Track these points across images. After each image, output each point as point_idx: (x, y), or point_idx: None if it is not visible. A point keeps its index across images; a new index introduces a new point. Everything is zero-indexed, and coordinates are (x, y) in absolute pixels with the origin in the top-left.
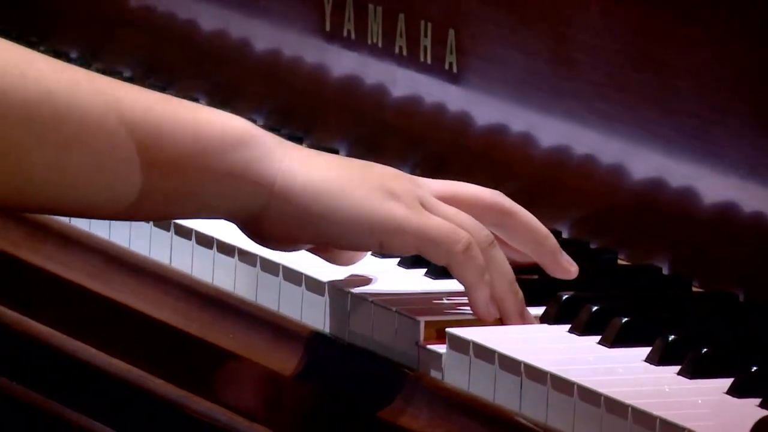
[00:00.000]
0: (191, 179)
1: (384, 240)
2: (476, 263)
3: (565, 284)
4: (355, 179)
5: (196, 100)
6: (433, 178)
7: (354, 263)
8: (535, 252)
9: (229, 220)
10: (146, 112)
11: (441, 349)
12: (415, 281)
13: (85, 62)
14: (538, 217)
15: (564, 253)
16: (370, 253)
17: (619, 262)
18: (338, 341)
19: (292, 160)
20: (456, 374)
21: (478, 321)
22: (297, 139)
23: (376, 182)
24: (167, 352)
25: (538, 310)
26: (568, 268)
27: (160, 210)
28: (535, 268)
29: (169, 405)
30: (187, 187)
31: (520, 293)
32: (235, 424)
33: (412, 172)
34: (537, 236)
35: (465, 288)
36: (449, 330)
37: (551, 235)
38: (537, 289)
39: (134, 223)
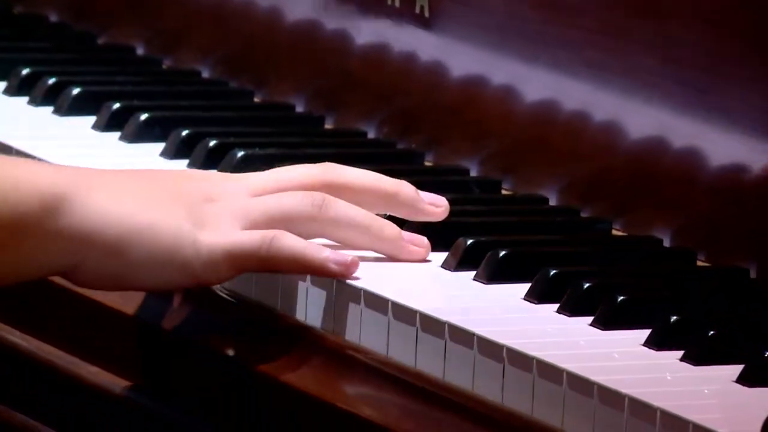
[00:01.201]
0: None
1: (199, 277)
2: (295, 250)
3: (554, 258)
4: (159, 211)
5: (132, 49)
6: (403, 137)
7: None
8: (394, 208)
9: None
10: None
11: None
12: None
13: (7, 4)
14: (521, 182)
15: (424, 196)
16: None
17: (614, 232)
18: None
19: (102, 206)
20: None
21: None
22: (248, 94)
23: (181, 213)
24: None
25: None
26: (432, 210)
27: None
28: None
29: None
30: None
31: (385, 230)
32: None
33: (379, 131)
34: (385, 193)
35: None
36: None
37: (403, 184)
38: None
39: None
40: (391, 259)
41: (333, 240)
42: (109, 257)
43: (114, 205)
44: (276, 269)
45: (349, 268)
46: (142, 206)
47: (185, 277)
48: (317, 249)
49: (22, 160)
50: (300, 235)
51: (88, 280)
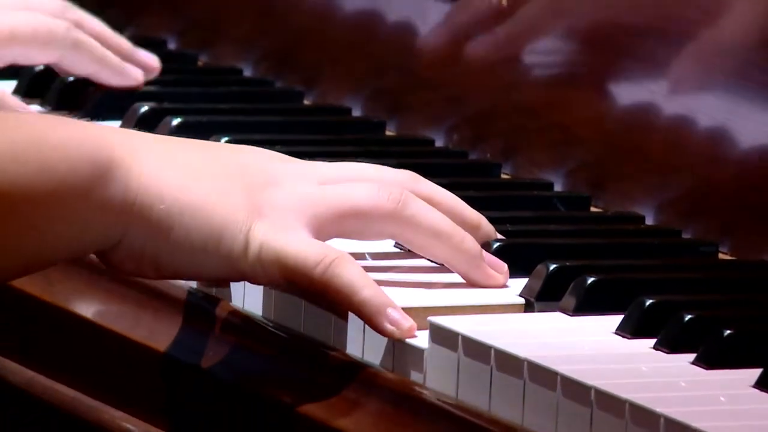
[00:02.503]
0: (34, 220)
1: (246, 274)
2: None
3: (651, 286)
4: (212, 189)
5: (164, 42)
6: (476, 146)
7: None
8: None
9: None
10: None
11: None
12: None
13: None
14: (613, 199)
15: (487, 261)
16: None
17: (721, 256)
18: None
19: (150, 177)
20: None
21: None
22: (297, 95)
23: (238, 194)
24: None
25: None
26: (492, 274)
27: None
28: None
29: None
30: (29, 229)
31: (466, 242)
32: None
33: (448, 139)
34: (468, 222)
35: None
36: None
37: (483, 219)
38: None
39: None
40: (466, 280)
41: (407, 244)
42: (150, 235)
43: (163, 176)
44: (324, 298)
45: (405, 333)
46: (194, 180)
47: (230, 270)
48: (378, 295)
49: (64, 121)
50: (371, 234)
51: (125, 260)
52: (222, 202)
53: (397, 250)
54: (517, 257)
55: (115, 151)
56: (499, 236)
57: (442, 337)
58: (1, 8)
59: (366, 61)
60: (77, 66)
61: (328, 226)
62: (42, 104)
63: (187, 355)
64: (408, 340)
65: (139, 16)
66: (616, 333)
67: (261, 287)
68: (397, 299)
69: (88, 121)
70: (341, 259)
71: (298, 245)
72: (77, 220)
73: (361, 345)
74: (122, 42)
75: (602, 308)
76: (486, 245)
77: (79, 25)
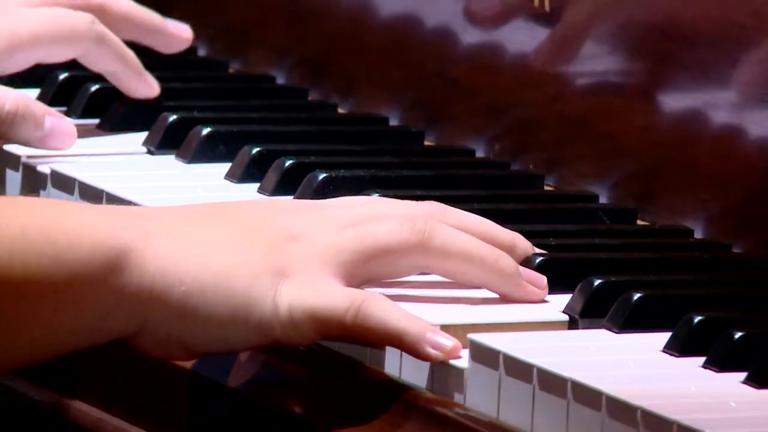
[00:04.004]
0: (49, 311)
1: (279, 338)
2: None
3: (700, 303)
4: (232, 259)
5: (194, 49)
6: (518, 157)
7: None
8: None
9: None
10: None
11: None
12: None
13: None
14: (660, 211)
15: (525, 277)
16: None
17: None
18: None
19: (166, 260)
20: None
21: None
22: (331, 107)
23: (260, 259)
24: None
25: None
26: (533, 290)
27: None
28: None
29: None
30: (44, 319)
31: (501, 262)
32: None
33: (489, 149)
34: (500, 244)
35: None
36: None
37: (517, 237)
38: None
39: None
40: (504, 298)
41: (441, 274)
42: (174, 319)
43: (178, 255)
44: (362, 341)
45: (450, 354)
46: (212, 254)
47: (262, 338)
48: (415, 323)
49: (76, 207)
50: (402, 271)
51: (152, 346)
52: (244, 273)
53: None
54: (560, 272)
55: (127, 237)
56: (537, 250)
57: (483, 355)
58: (22, 5)
59: (404, 69)
60: (99, 62)
61: (357, 272)
62: (68, 113)
63: (214, 372)
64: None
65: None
66: (663, 351)
67: None
68: (436, 317)
69: (113, 134)
70: (370, 299)
71: (326, 297)
72: (94, 310)
73: (398, 364)
74: (152, 16)
75: (649, 325)
76: (527, 261)
77: (104, 6)
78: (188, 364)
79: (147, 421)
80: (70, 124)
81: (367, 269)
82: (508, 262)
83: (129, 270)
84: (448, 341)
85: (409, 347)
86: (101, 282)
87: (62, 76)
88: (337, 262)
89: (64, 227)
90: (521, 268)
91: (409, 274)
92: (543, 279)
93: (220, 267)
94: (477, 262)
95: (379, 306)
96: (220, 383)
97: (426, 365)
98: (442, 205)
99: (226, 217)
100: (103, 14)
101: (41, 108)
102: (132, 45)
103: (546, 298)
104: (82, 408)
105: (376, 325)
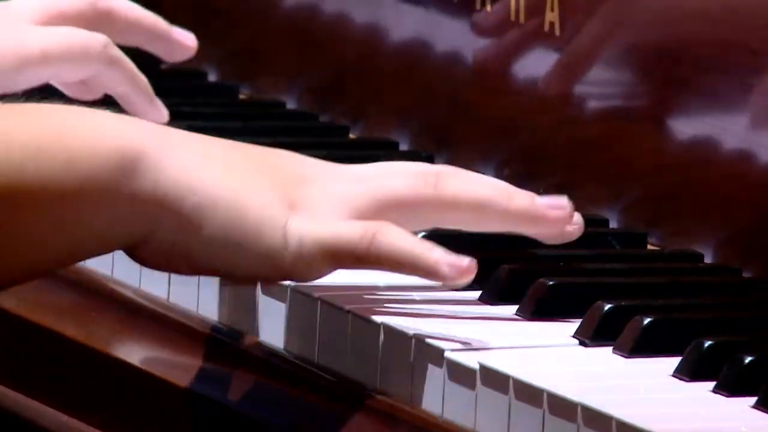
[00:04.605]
0: (61, 215)
1: (286, 270)
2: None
3: (711, 327)
4: (247, 183)
5: (204, 74)
6: (528, 181)
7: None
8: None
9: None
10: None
11: None
12: None
13: None
14: (670, 236)
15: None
16: None
17: None
18: None
19: (181, 170)
20: None
21: None
22: (342, 129)
23: (273, 190)
24: None
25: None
26: (564, 221)
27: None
28: None
29: None
30: (57, 224)
31: (515, 199)
32: None
33: (498, 173)
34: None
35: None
36: None
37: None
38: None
39: None
40: (534, 238)
41: (457, 226)
42: (182, 229)
43: (195, 168)
44: (377, 267)
45: (464, 273)
46: (228, 174)
47: (270, 268)
48: (428, 246)
49: (89, 112)
50: (416, 223)
51: (156, 255)
52: (256, 198)
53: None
54: (570, 297)
55: (144, 143)
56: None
57: (493, 379)
58: (33, 21)
59: (413, 93)
60: (110, 84)
61: (370, 219)
62: None
63: (210, 391)
64: (454, 388)
65: None
66: (673, 375)
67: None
68: (447, 342)
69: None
70: (383, 228)
71: (338, 227)
72: (106, 214)
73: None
74: (159, 22)
75: (659, 350)
76: (539, 285)
77: (112, 12)
78: (178, 381)
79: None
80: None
81: (378, 219)
82: (522, 198)
83: (143, 175)
84: (463, 259)
85: (427, 268)
86: (115, 187)
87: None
88: (350, 208)
89: (80, 132)
90: (540, 199)
91: (423, 228)
92: (564, 199)
93: (236, 186)
94: (492, 206)
95: (393, 233)
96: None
97: (438, 388)
98: (456, 167)
99: (244, 149)
100: (110, 18)
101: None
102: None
103: (555, 324)
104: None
105: (391, 253)
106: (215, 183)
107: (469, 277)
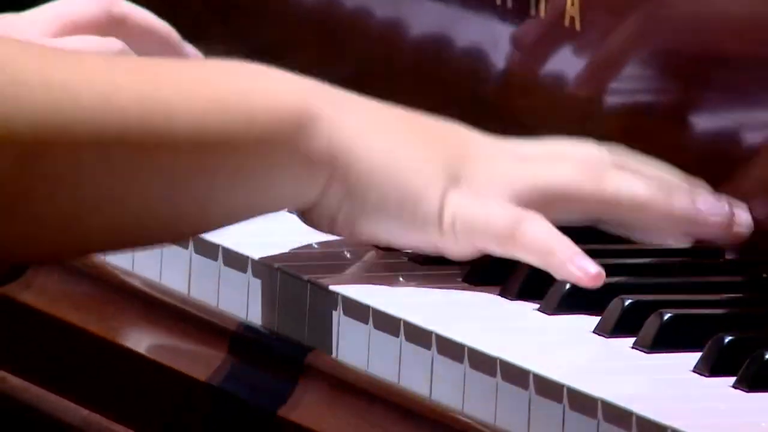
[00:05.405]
0: (242, 172)
1: (436, 243)
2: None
3: (731, 323)
4: (415, 152)
5: None
6: None
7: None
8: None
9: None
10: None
11: None
12: None
13: None
14: None
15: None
16: None
17: None
18: None
19: (351, 137)
20: None
21: None
22: None
23: (439, 161)
24: None
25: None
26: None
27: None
28: None
29: None
30: (237, 181)
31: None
32: None
33: None
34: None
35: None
36: None
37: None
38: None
39: None
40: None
41: (616, 225)
42: (348, 194)
43: (367, 133)
44: (515, 255)
45: (592, 280)
46: (395, 145)
47: (422, 239)
48: (567, 244)
49: (269, 71)
50: (575, 217)
51: (321, 218)
52: (420, 170)
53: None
54: (590, 293)
55: (319, 105)
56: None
57: (512, 373)
58: (46, 33)
59: (434, 89)
60: None
61: (526, 205)
62: None
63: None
64: (475, 376)
65: (198, 43)
66: (693, 371)
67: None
68: (468, 337)
69: None
70: (530, 219)
71: (489, 211)
72: (283, 172)
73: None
74: (171, 33)
75: (680, 345)
76: (560, 285)
77: (126, 19)
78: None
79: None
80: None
81: (536, 205)
82: (683, 201)
83: (319, 136)
84: (592, 267)
85: (558, 265)
86: (292, 144)
87: None
88: (510, 190)
89: (260, 92)
90: (701, 200)
91: (581, 222)
92: (724, 203)
93: (401, 158)
94: (650, 209)
95: (538, 225)
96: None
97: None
98: (625, 151)
99: (416, 120)
100: (125, 24)
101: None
102: None
103: (576, 318)
104: (113, 427)
105: (531, 246)
106: (382, 152)
107: (597, 284)
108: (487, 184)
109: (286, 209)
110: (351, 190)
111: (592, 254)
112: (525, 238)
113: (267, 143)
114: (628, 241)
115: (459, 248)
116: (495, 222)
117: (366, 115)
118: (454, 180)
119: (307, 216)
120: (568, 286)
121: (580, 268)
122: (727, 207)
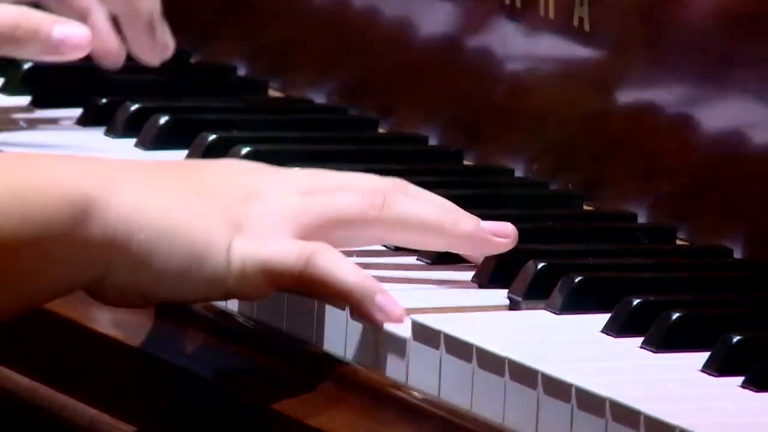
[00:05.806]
0: (17, 268)
1: (231, 291)
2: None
3: (740, 323)
4: (190, 210)
5: (233, 69)
6: (557, 176)
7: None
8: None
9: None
10: None
11: None
12: None
13: None
14: (699, 231)
15: (490, 230)
16: None
17: None
18: None
19: (127, 209)
20: None
21: None
22: (371, 123)
23: (217, 212)
24: None
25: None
26: (497, 241)
27: None
28: None
29: None
30: (13, 276)
31: (460, 225)
32: None
33: (528, 168)
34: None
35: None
36: None
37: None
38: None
39: None
40: (475, 261)
41: (402, 245)
42: (133, 266)
43: (141, 205)
44: (314, 294)
45: (393, 320)
46: (173, 204)
47: (215, 290)
48: (366, 282)
49: (38, 158)
50: (361, 241)
51: (113, 295)
52: (201, 224)
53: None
54: (599, 292)
55: (91, 189)
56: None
57: (519, 373)
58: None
59: (443, 88)
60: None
61: (314, 237)
62: (107, 133)
63: (169, 355)
64: (483, 377)
65: (208, 42)
66: (701, 371)
67: None
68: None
69: (145, 150)
70: (320, 251)
71: (277, 249)
72: (61, 263)
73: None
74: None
75: (687, 345)
76: (569, 279)
77: None
78: (134, 342)
79: (92, 398)
80: (83, 30)
81: (324, 237)
82: (467, 222)
83: (94, 221)
84: (396, 307)
85: (356, 305)
86: (67, 235)
87: (101, 102)
88: (294, 224)
89: (32, 183)
90: (485, 224)
91: (367, 245)
92: (508, 226)
93: (180, 216)
94: (436, 229)
95: (329, 258)
96: (169, 361)
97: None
98: (404, 181)
99: (190, 172)
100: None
101: (47, 17)
102: None
103: (584, 318)
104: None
105: (324, 278)
106: (161, 216)
107: (400, 323)
108: (272, 223)
109: (74, 291)
110: (135, 261)
111: (598, 254)
112: (316, 272)
113: (43, 238)
114: (637, 241)
115: (256, 292)
116: (284, 260)
117: (141, 184)
118: (236, 227)
119: (94, 293)
120: (576, 283)
121: (383, 309)
122: (512, 228)
